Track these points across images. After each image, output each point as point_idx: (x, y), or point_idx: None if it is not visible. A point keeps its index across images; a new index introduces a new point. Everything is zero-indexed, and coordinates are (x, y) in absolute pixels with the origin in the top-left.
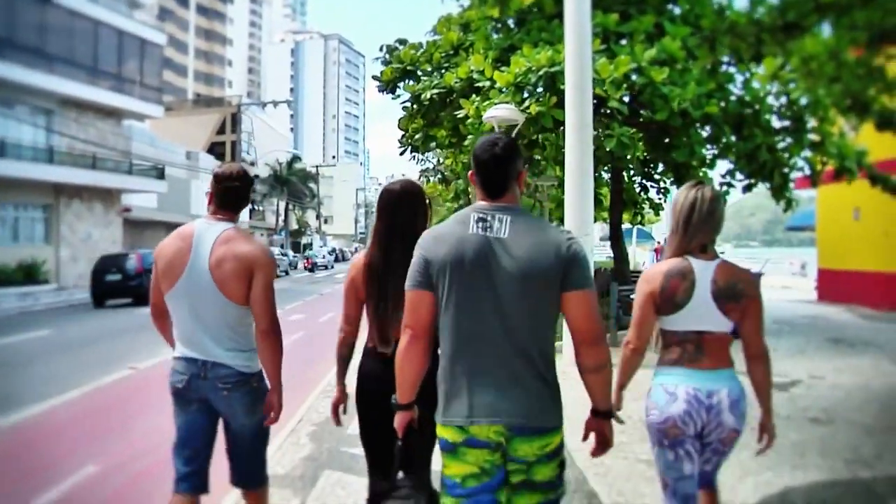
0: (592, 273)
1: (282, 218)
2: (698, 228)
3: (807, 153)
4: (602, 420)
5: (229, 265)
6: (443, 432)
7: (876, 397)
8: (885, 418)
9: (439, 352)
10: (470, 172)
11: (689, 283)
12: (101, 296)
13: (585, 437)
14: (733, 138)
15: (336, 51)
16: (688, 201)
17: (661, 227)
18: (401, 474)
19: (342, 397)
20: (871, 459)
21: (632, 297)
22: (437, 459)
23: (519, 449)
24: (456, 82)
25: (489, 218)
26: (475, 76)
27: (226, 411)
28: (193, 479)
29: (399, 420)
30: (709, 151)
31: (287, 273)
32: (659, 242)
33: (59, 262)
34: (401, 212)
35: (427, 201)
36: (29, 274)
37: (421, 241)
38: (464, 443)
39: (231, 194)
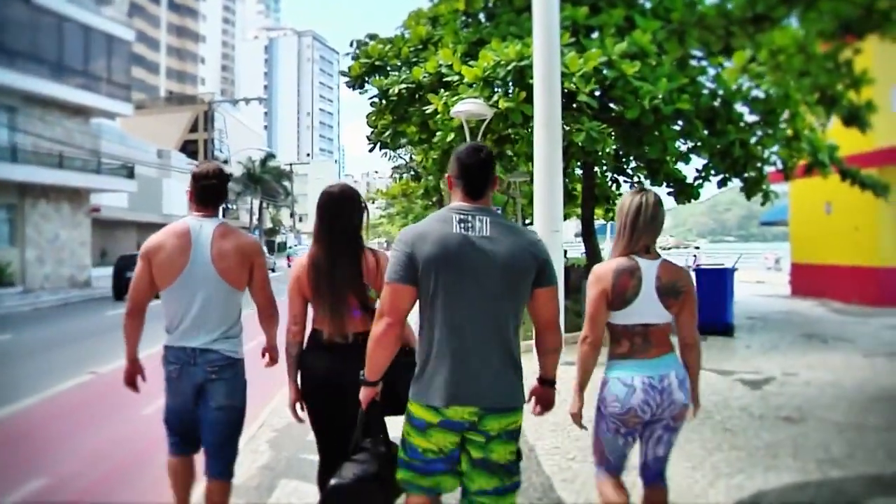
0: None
1: (255, 216)
2: (643, 230)
3: (779, 147)
4: (548, 388)
5: (232, 256)
6: (419, 412)
7: (847, 394)
8: (857, 415)
9: (417, 337)
10: (448, 175)
11: (637, 280)
12: (121, 290)
13: (529, 399)
14: (706, 133)
15: (310, 47)
16: (633, 206)
17: None
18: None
19: (298, 395)
20: (843, 459)
21: None
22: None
23: (488, 424)
24: (424, 77)
25: (471, 218)
26: (444, 70)
27: (209, 391)
28: (184, 445)
29: (365, 394)
30: (683, 145)
31: (273, 270)
32: None
33: (24, 263)
34: (343, 213)
35: (364, 204)
36: None
37: (403, 238)
38: (438, 425)
39: (209, 192)
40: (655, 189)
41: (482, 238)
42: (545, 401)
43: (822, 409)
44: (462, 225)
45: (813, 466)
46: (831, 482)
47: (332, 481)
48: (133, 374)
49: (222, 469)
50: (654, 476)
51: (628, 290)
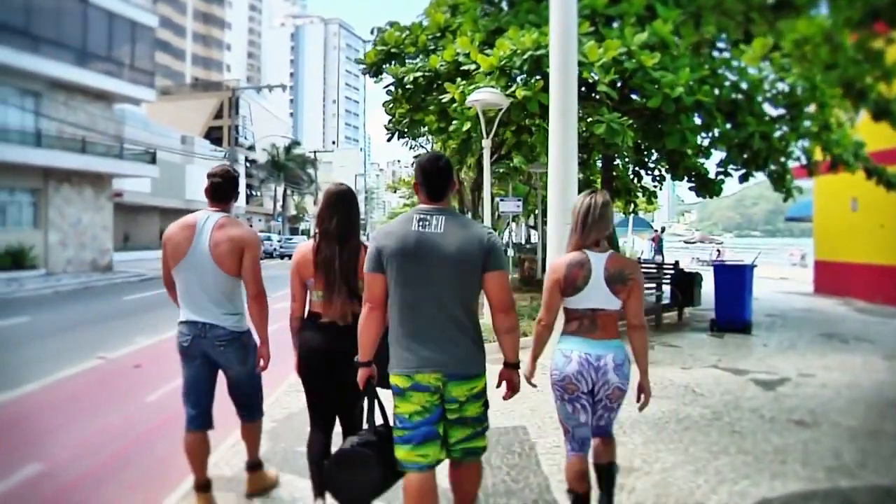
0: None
1: (280, 203)
2: (592, 227)
3: (804, 143)
4: (512, 370)
5: (225, 246)
6: (394, 380)
7: (864, 397)
8: (872, 421)
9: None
10: (414, 182)
11: (587, 271)
12: None
13: (499, 385)
14: (728, 126)
15: (336, 35)
16: (584, 206)
17: (662, 215)
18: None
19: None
20: (854, 467)
21: None
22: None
23: (453, 391)
24: (441, 65)
25: (429, 217)
26: (461, 59)
27: (223, 363)
28: (199, 419)
29: (361, 375)
30: (704, 139)
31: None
32: (656, 231)
33: (47, 247)
34: (349, 210)
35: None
36: (17, 259)
37: (374, 236)
38: (411, 387)
39: (217, 189)
40: (677, 183)
41: (436, 234)
42: (510, 383)
43: (837, 413)
44: (421, 223)
45: (822, 474)
46: (840, 492)
47: (334, 451)
48: None
49: (252, 413)
50: (601, 431)
51: (578, 280)
